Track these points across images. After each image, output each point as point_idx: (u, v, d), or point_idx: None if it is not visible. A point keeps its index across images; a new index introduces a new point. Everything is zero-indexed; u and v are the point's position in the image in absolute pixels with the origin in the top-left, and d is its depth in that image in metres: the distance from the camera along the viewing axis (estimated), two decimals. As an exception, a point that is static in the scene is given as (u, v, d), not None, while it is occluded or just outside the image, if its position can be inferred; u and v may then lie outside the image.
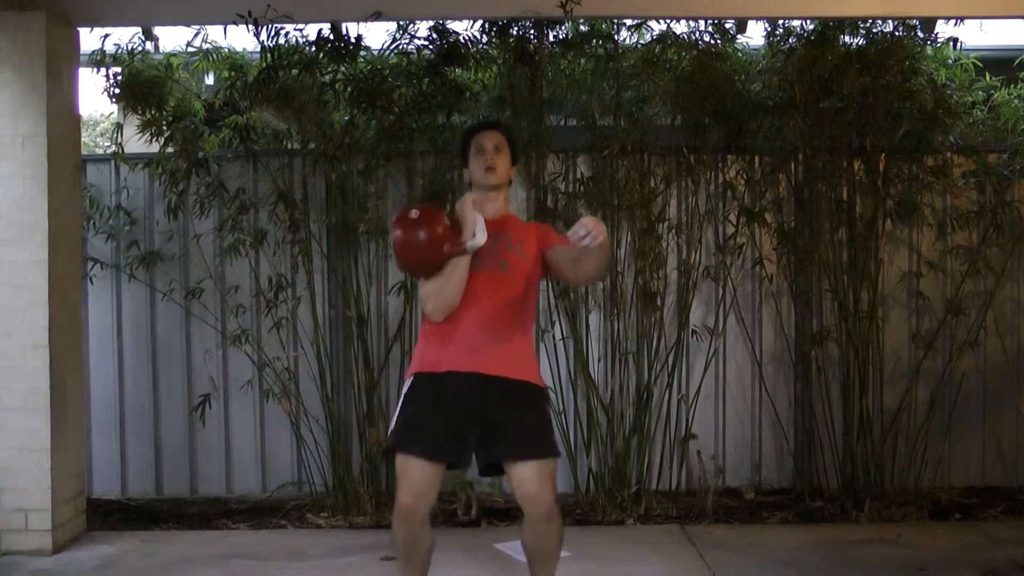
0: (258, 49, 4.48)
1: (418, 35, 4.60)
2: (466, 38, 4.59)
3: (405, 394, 2.97)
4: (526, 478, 2.83)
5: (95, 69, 4.65)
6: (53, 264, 4.09)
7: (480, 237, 2.84)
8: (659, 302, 4.83)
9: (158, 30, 4.87)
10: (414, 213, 2.88)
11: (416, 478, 2.83)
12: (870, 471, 4.76)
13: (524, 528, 2.93)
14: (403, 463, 2.87)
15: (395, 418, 2.97)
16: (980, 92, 4.78)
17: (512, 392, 2.91)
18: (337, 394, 4.89)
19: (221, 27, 4.48)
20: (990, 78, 4.78)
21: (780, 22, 4.71)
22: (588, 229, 2.59)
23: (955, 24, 4.60)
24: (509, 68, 4.62)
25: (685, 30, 4.66)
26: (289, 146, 4.84)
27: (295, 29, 4.44)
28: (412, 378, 2.98)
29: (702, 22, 4.64)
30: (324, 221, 4.86)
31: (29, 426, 4.05)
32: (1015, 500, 4.84)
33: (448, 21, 4.55)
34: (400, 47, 4.63)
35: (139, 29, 4.65)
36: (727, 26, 4.72)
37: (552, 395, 4.72)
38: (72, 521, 4.27)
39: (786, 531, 4.46)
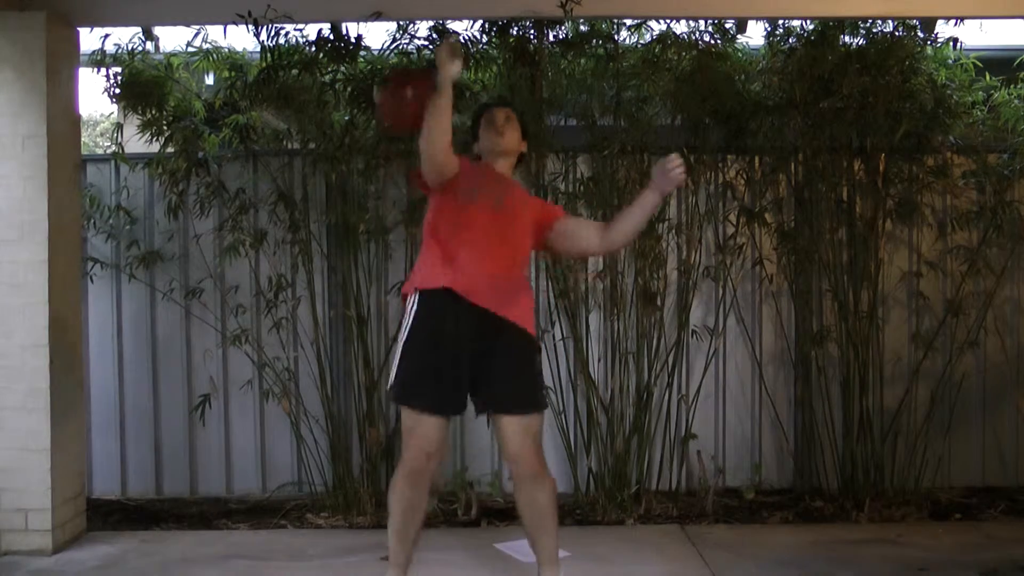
0: (258, 49, 4.48)
1: (418, 35, 4.59)
2: (466, 38, 4.59)
3: (404, 345, 2.99)
4: (510, 434, 2.95)
5: (95, 69, 4.64)
6: (53, 264, 4.09)
7: (453, 68, 2.78)
8: (659, 302, 4.83)
9: (158, 30, 4.87)
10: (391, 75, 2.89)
11: (429, 436, 2.93)
12: (870, 471, 4.76)
13: (517, 492, 3.03)
14: (414, 422, 2.95)
15: (397, 363, 3.01)
16: (980, 92, 4.78)
17: (507, 335, 2.97)
18: (337, 394, 4.88)
19: (221, 27, 4.48)
20: (990, 78, 4.78)
21: (780, 22, 4.70)
22: (679, 161, 2.85)
23: (955, 24, 4.59)
24: (509, 68, 4.62)
25: (685, 30, 4.66)
26: (289, 146, 4.84)
27: (295, 29, 4.44)
28: (416, 296, 2.99)
29: (702, 22, 4.64)
30: (324, 221, 4.86)
31: (29, 426, 4.04)
32: (1015, 500, 4.84)
33: (448, 21, 4.55)
34: (400, 47, 4.63)
35: (139, 29, 4.64)
36: (727, 26, 4.71)
37: (552, 395, 4.75)
38: (72, 521, 4.27)
39: (786, 531, 4.46)
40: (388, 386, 3.11)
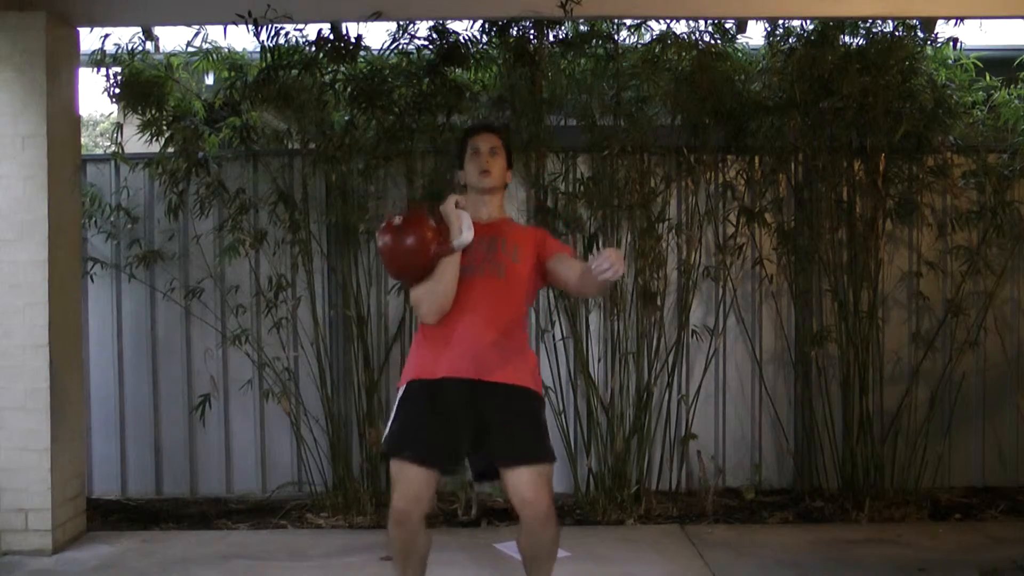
0: (258, 49, 4.48)
1: (418, 35, 4.60)
2: (466, 38, 4.59)
3: (399, 401, 2.94)
4: (522, 482, 2.80)
5: (95, 69, 4.64)
6: (53, 264, 4.09)
7: (467, 234, 2.81)
8: (659, 302, 4.83)
9: (158, 30, 4.87)
10: (398, 219, 2.83)
11: (410, 483, 2.82)
12: (870, 471, 4.76)
13: (520, 533, 2.92)
14: (397, 468, 2.86)
15: (389, 424, 2.95)
16: (980, 92, 4.78)
17: (508, 397, 2.88)
18: (337, 394, 4.88)
19: (221, 27, 4.48)
20: (990, 78, 4.78)
21: (780, 22, 4.71)
22: (611, 263, 2.56)
23: (955, 24, 4.60)
24: (509, 68, 4.62)
25: (685, 30, 4.66)
26: (289, 146, 4.84)
27: (295, 29, 4.44)
28: (405, 386, 2.94)
29: (702, 22, 4.64)
30: (324, 221, 4.86)
31: (29, 426, 4.05)
32: (1015, 500, 4.84)
33: (448, 21, 4.55)
34: (400, 47, 4.63)
35: (139, 29, 4.65)
36: (727, 26, 4.72)
37: (552, 395, 4.75)
38: (72, 521, 4.27)
39: (786, 531, 4.46)
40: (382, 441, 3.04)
